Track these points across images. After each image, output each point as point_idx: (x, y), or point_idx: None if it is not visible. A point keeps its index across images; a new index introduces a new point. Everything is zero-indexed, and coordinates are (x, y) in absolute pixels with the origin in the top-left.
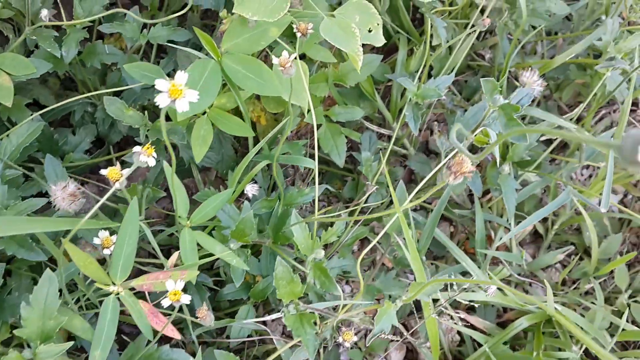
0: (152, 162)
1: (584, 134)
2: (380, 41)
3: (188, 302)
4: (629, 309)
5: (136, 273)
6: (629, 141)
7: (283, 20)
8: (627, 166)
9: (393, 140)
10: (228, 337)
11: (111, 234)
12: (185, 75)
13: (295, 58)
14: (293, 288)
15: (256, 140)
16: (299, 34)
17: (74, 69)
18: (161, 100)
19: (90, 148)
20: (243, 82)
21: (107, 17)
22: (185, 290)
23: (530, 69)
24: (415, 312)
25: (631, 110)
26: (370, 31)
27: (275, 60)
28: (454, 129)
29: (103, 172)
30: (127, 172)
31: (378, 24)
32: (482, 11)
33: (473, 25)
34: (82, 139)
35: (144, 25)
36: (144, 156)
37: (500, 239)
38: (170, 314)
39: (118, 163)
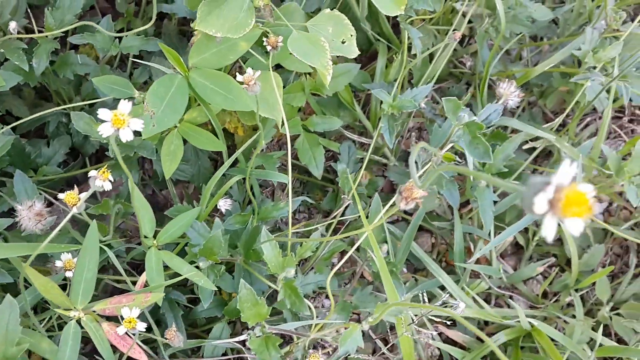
0: (108, 186)
1: (563, 144)
2: (353, 53)
3: (143, 330)
4: (611, 320)
5: (111, 291)
6: (530, 190)
7: (252, 34)
8: (526, 212)
9: (371, 149)
10: (203, 355)
11: None
12: (128, 104)
13: (270, 69)
14: (259, 310)
15: (234, 152)
16: (269, 47)
17: (47, 78)
18: (104, 130)
19: (67, 159)
20: (211, 97)
21: (79, 26)
22: (158, 308)
23: (507, 80)
24: (392, 327)
25: (618, 117)
26: (343, 42)
27: (239, 77)
28: (416, 149)
29: (61, 196)
30: (84, 195)
31: (352, 35)
32: (464, 15)
33: (454, 31)
34: (56, 151)
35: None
36: (100, 180)
37: (480, 250)
38: (141, 333)
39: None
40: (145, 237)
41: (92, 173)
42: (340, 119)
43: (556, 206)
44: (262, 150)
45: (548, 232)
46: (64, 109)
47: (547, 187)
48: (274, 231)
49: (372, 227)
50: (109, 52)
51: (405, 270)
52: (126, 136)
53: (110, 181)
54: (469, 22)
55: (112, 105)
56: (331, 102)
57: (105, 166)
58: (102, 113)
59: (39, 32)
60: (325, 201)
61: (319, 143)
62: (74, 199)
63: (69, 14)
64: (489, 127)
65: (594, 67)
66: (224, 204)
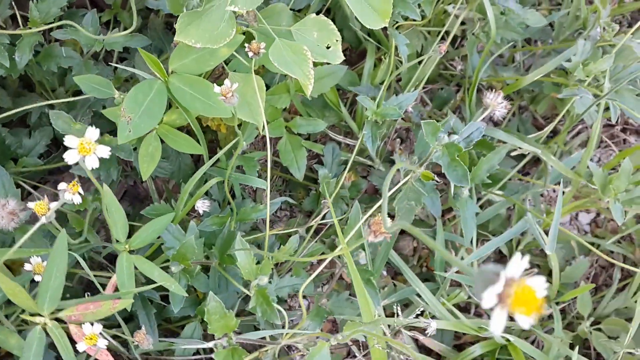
0: (77, 200)
1: (549, 156)
2: (338, 58)
3: (104, 347)
4: (591, 335)
5: (87, 282)
6: (481, 279)
7: (233, 41)
8: (477, 300)
9: (356, 151)
10: (174, 353)
11: None
12: (96, 131)
13: (252, 73)
14: (227, 322)
15: (217, 148)
16: (250, 54)
17: (31, 69)
18: (70, 157)
19: (49, 149)
20: (191, 103)
21: (65, 17)
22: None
23: (494, 90)
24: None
25: (610, 126)
26: (328, 47)
27: (217, 89)
28: (393, 170)
29: (30, 205)
30: (54, 205)
31: (337, 40)
32: (457, 17)
33: (446, 35)
34: (37, 142)
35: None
36: (69, 194)
37: (462, 258)
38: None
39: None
40: (118, 242)
41: (62, 186)
42: (326, 119)
43: (505, 301)
44: (244, 151)
45: (496, 327)
46: (47, 97)
47: (497, 280)
48: (253, 231)
49: (350, 248)
50: (93, 47)
51: (385, 273)
52: (92, 163)
53: (80, 194)
54: (462, 23)
55: (94, 102)
56: (317, 102)
57: (76, 179)
58: (69, 140)
59: (23, 19)
60: (307, 202)
61: (301, 145)
62: (43, 209)
63: (54, 6)
64: (469, 147)
65: (584, 80)
66: (201, 206)
